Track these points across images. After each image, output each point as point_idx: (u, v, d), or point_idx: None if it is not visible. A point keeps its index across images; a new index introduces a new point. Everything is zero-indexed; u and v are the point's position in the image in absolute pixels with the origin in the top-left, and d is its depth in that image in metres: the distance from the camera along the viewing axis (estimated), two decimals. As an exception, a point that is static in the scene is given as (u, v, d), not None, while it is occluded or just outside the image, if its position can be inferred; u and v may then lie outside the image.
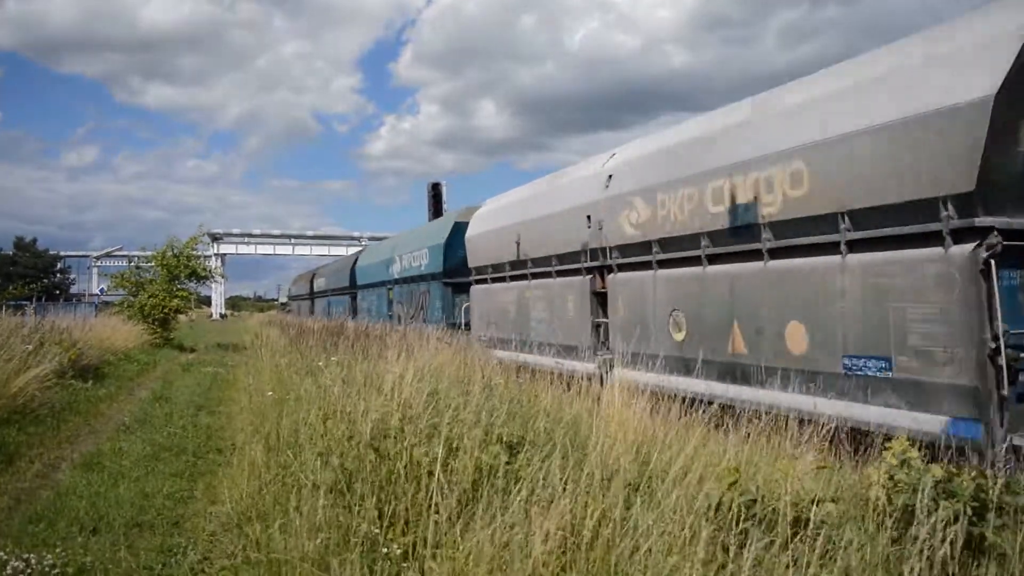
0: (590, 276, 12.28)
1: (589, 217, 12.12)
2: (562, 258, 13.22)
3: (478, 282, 17.59)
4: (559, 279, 13.37)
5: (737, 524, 3.80)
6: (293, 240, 77.31)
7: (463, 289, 19.07)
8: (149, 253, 26.90)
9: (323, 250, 75.76)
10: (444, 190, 35.59)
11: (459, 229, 19.51)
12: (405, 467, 4.74)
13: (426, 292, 22.20)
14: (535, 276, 14.38)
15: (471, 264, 17.96)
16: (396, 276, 26.00)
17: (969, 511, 3.89)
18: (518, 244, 15.06)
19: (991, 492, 3.92)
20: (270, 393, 8.31)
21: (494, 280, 16.54)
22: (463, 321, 18.54)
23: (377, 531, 4.26)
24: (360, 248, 52.26)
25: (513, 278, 15.44)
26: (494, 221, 16.84)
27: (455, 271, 19.98)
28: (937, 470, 4.36)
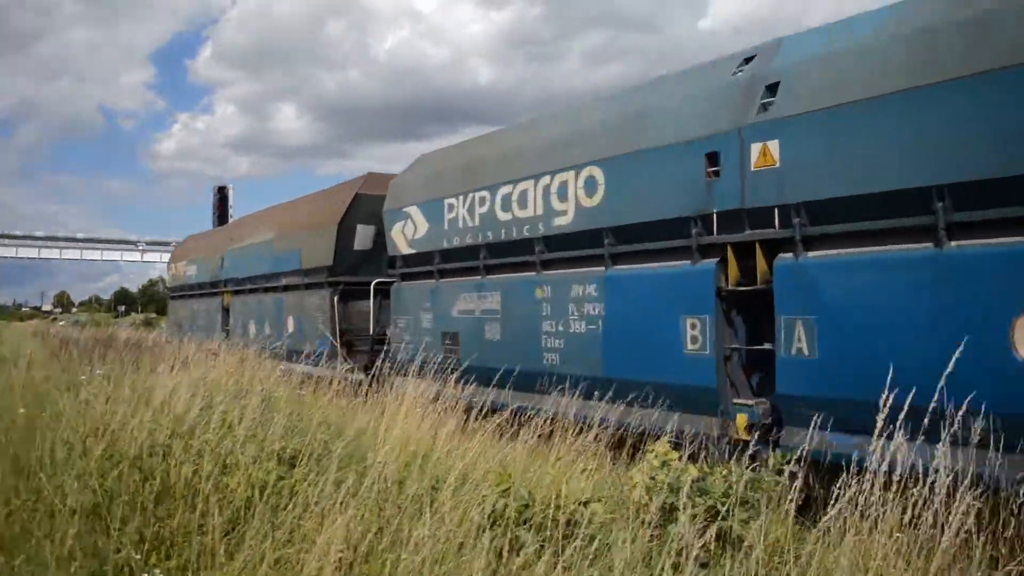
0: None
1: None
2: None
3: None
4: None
5: (509, 530, 3.91)
6: (61, 244, 70.62)
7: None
8: None
9: (95, 254, 70.32)
10: (231, 194, 34.06)
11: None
12: (172, 486, 4.49)
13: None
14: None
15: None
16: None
17: (721, 506, 4.27)
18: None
19: (736, 488, 4.31)
20: (22, 411, 7.53)
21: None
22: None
23: (138, 556, 3.99)
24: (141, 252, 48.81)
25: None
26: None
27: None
28: (693, 470, 4.73)
